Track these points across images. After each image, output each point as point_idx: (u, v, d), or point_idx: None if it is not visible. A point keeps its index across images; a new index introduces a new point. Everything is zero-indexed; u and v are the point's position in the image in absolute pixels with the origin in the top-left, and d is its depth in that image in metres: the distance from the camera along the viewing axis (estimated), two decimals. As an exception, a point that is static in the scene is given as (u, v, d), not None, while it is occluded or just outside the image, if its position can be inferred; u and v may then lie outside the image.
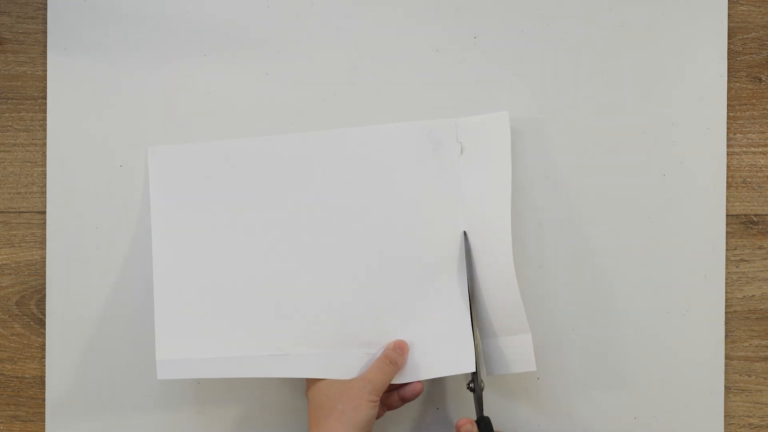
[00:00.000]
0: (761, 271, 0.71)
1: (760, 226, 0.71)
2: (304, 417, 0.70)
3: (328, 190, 0.67)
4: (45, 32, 0.70)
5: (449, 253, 0.67)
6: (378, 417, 0.64)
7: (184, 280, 0.66)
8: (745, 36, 0.71)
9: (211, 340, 0.66)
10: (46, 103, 0.70)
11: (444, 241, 0.67)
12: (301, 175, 0.67)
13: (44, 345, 0.70)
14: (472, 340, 0.65)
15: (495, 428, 0.66)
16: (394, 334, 0.66)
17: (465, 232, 0.67)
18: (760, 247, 0.71)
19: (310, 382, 0.65)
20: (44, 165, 0.70)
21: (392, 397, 0.66)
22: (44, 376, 0.70)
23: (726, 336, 0.70)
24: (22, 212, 0.71)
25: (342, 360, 0.65)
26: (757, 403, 0.71)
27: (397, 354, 0.65)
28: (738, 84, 0.71)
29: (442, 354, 0.66)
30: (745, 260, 0.71)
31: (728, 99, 0.70)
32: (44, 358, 0.70)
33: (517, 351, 0.65)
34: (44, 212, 0.70)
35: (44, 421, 0.70)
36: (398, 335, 0.66)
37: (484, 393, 0.66)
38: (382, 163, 0.67)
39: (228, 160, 0.67)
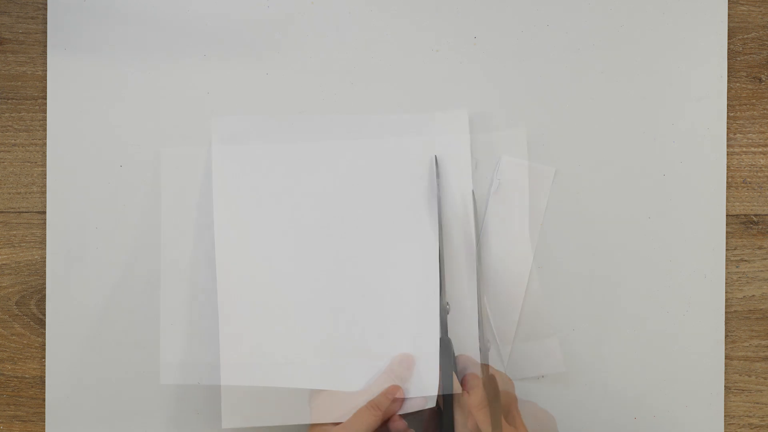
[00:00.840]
0: (761, 271, 0.71)
1: (760, 226, 0.71)
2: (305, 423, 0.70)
3: (335, 199, 0.67)
4: (45, 32, 0.70)
5: (459, 266, 0.67)
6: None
7: (191, 285, 0.66)
8: (745, 36, 0.71)
9: (215, 346, 0.65)
10: (46, 103, 0.70)
11: (455, 254, 0.67)
12: (308, 183, 0.67)
13: (44, 345, 0.70)
14: (478, 357, 0.65)
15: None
16: (400, 347, 0.66)
17: (477, 246, 0.67)
18: (760, 247, 0.71)
19: (314, 391, 0.65)
20: (44, 165, 0.70)
21: (395, 408, 0.66)
22: (44, 376, 0.70)
23: (726, 336, 0.70)
24: (22, 212, 0.71)
25: (348, 371, 0.65)
26: (757, 403, 0.71)
27: (402, 368, 0.65)
28: (738, 84, 0.71)
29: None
30: (745, 260, 0.71)
31: (728, 99, 0.70)
32: (44, 358, 0.70)
33: (546, 354, 0.67)
34: (44, 212, 0.70)
35: (44, 421, 0.70)
36: (404, 348, 0.66)
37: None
38: (394, 175, 0.67)
39: (234, 163, 0.67)
